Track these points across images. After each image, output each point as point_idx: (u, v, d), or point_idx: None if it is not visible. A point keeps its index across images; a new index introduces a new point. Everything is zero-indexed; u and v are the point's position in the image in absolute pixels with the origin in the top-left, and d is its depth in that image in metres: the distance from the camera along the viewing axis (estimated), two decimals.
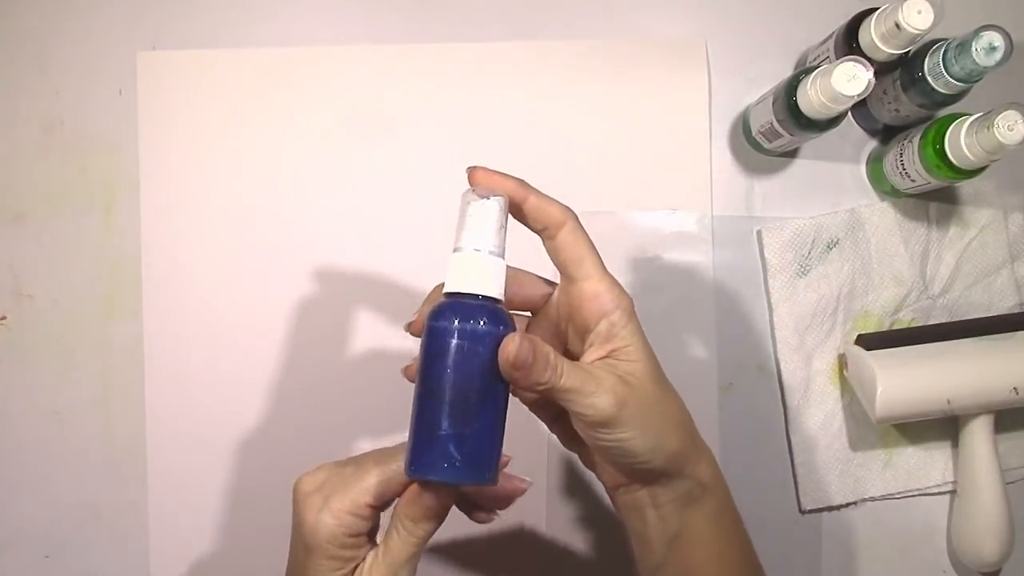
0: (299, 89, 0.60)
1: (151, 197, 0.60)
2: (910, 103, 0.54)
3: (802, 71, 0.52)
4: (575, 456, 0.43)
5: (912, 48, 0.51)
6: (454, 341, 0.33)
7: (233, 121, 0.60)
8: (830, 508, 0.59)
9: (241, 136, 0.60)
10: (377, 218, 0.60)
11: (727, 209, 0.60)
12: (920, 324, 0.59)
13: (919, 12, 0.48)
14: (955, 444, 0.58)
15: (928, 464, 0.59)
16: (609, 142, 0.60)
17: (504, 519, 0.41)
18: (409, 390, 0.35)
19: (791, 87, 0.52)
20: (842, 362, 0.58)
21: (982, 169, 0.52)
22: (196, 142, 0.60)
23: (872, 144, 0.61)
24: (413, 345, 0.36)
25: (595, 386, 0.35)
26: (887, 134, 0.60)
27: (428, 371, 0.34)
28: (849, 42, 0.53)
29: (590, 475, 0.42)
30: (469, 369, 0.33)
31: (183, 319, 0.59)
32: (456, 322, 0.33)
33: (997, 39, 0.47)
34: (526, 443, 0.59)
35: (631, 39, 0.61)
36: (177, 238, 0.60)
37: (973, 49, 0.47)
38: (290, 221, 0.60)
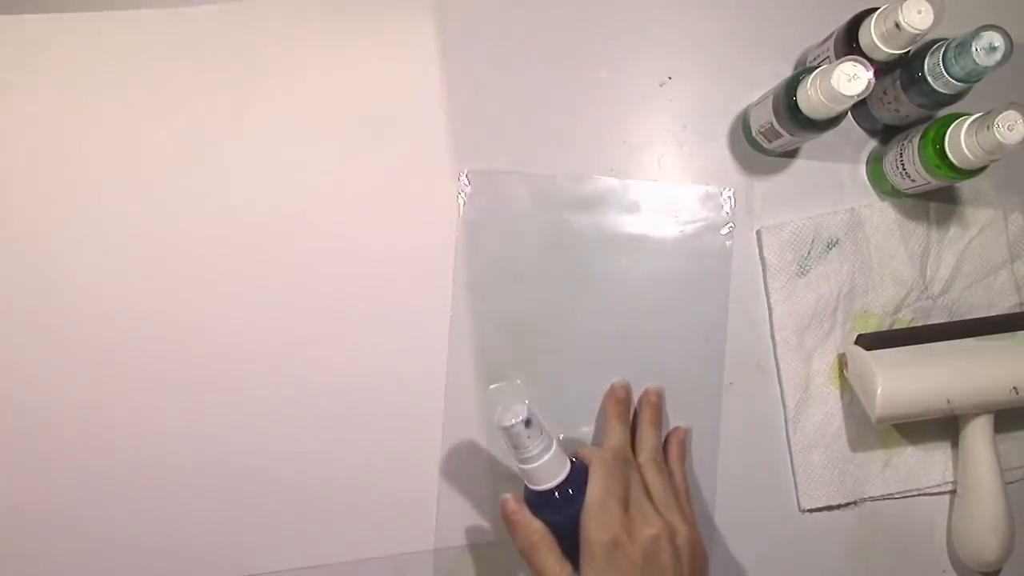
0: None
1: None
2: (910, 103, 0.54)
3: (802, 71, 0.52)
4: None
5: (912, 48, 0.51)
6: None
7: None
8: (830, 508, 0.59)
9: None
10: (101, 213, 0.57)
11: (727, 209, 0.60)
12: (920, 324, 0.59)
13: (919, 12, 0.48)
14: (955, 444, 0.58)
15: (928, 464, 0.59)
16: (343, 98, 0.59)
17: None
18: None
19: (791, 87, 0.52)
20: (842, 362, 0.58)
21: (982, 169, 0.52)
22: None
23: (872, 144, 0.61)
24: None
25: None
26: (887, 134, 0.60)
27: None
28: (849, 42, 0.53)
29: None
30: None
31: None
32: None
33: (997, 39, 0.47)
34: None
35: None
36: None
37: (973, 49, 0.47)
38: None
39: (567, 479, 0.48)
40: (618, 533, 0.46)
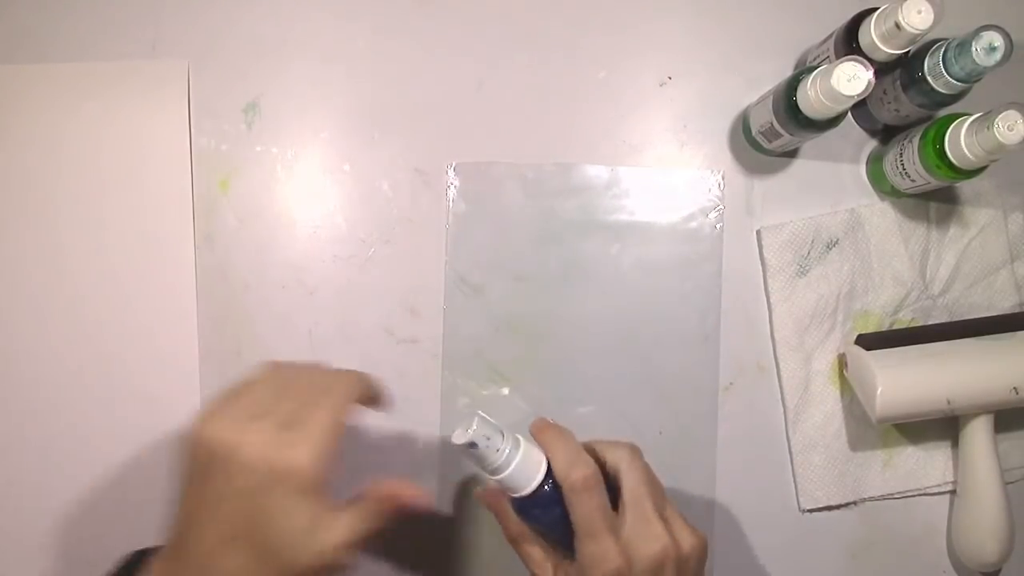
0: None
1: None
2: (910, 103, 0.54)
3: (802, 71, 0.52)
4: None
5: (912, 48, 0.51)
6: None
7: None
8: (830, 508, 0.59)
9: None
10: None
11: (727, 209, 0.60)
12: (920, 324, 0.59)
13: (919, 12, 0.48)
14: (955, 444, 0.58)
15: (928, 464, 0.59)
16: (96, 167, 0.59)
17: None
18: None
19: (791, 87, 0.52)
20: (842, 362, 0.58)
21: (982, 169, 0.52)
22: None
23: (872, 144, 0.61)
24: None
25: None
26: (887, 134, 0.60)
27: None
28: (849, 42, 0.53)
29: None
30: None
31: None
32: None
33: (997, 39, 0.47)
34: None
35: (114, 62, 0.60)
36: None
37: (973, 49, 0.47)
38: None
39: (548, 473, 0.44)
40: (619, 567, 0.42)
